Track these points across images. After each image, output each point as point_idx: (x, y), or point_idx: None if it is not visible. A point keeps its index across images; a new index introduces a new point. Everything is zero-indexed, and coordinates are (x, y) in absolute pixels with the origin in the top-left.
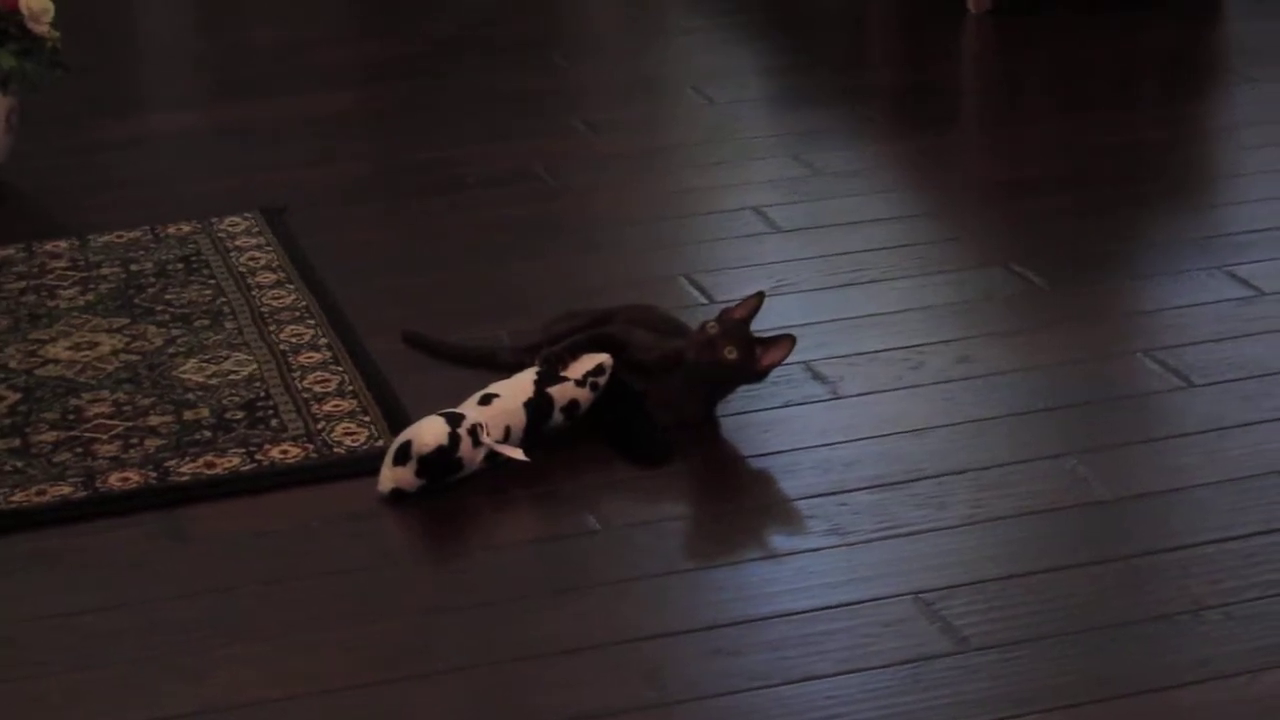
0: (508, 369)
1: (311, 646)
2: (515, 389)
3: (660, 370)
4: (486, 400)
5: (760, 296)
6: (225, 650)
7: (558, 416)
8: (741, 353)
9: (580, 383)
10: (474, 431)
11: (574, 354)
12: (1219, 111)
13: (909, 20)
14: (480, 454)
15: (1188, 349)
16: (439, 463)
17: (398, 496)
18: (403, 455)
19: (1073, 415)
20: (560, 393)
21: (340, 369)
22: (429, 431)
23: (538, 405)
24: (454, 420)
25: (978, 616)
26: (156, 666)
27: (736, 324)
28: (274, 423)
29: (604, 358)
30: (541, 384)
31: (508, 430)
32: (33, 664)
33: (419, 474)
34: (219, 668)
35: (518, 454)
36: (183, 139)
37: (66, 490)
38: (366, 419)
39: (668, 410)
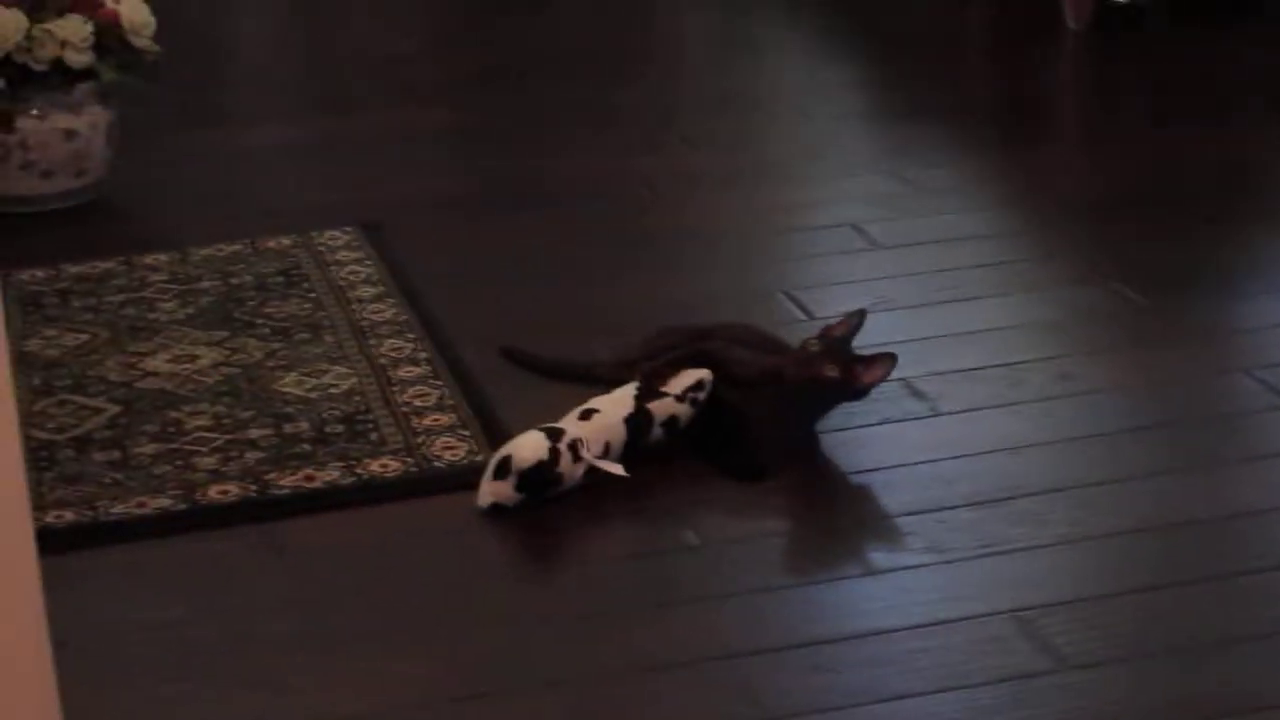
0: (605, 384)
1: (406, 660)
2: (615, 404)
3: (760, 387)
4: (586, 415)
5: (862, 314)
6: (316, 662)
7: (657, 432)
8: (842, 370)
9: (680, 398)
10: (574, 446)
11: (673, 369)
12: None
13: (1007, 35)
14: (580, 469)
15: None
16: (538, 478)
17: (496, 511)
18: (502, 470)
19: (1172, 434)
20: (660, 408)
21: (439, 383)
22: (528, 446)
23: (637, 421)
24: (554, 435)
25: (1076, 635)
26: (248, 677)
27: (837, 341)
28: (373, 436)
29: (704, 373)
30: (641, 399)
31: (607, 446)
32: (126, 673)
33: (518, 489)
34: (312, 680)
35: (617, 469)
36: (280, 153)
37: (166, 503)
38: (465, 433)
39: (768, 427)
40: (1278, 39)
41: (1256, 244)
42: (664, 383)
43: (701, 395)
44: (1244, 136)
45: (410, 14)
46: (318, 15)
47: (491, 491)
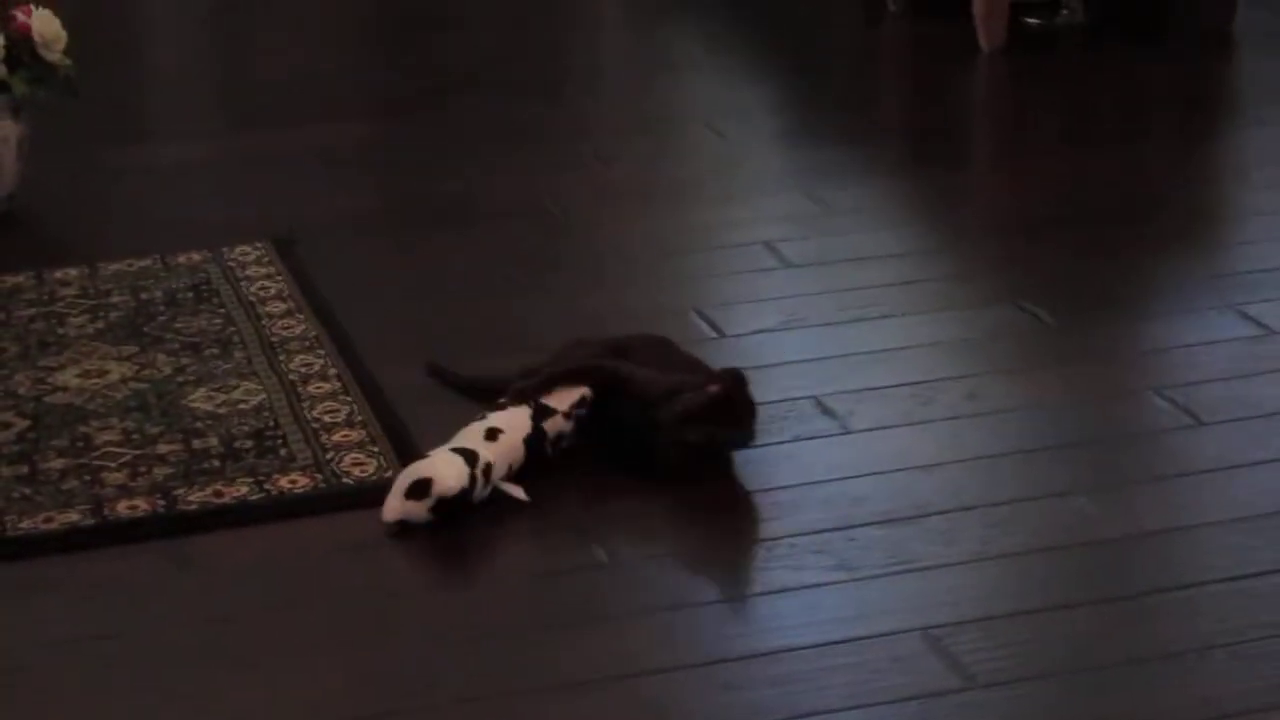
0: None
1: (315, 676)
2: (515, 424)
3: (662, 403)
4: (492, 435)
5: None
6: (228, 678)
7: (548, 450)
8: (733, 425)
9: (567, 415)
10: (486, 470)
11: (547, 388)
12: (1229, 151)
13: (920, 58)
14: (487, 491)
15: (1197, 387)
16: (457, 504)
17: (403, 528)
18: (419, 491)
19: (1081, 453)
20: (551, 426)
21: (349, 399)
22: (452, 475)
23: (536, 440)
24: (471, 460)
25: (985, 653)
26: (159, 693)
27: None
28: (283, 452)
29: (585, 390)
30: (537, 419)
31: (510, 467)
32: (37, 690)
33: (433, 510)
34: (222, 696)
35: (520, 493)
36: (194, 168)
37: (74, 517)
38: (375, 449)
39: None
40: (1188, 59)
41: (1166, 263)
42: (533, 401)
43: (584, 411)
44: (1155, 157)
45: (328, 32)
46: (235, 32)
47: (402, 510)
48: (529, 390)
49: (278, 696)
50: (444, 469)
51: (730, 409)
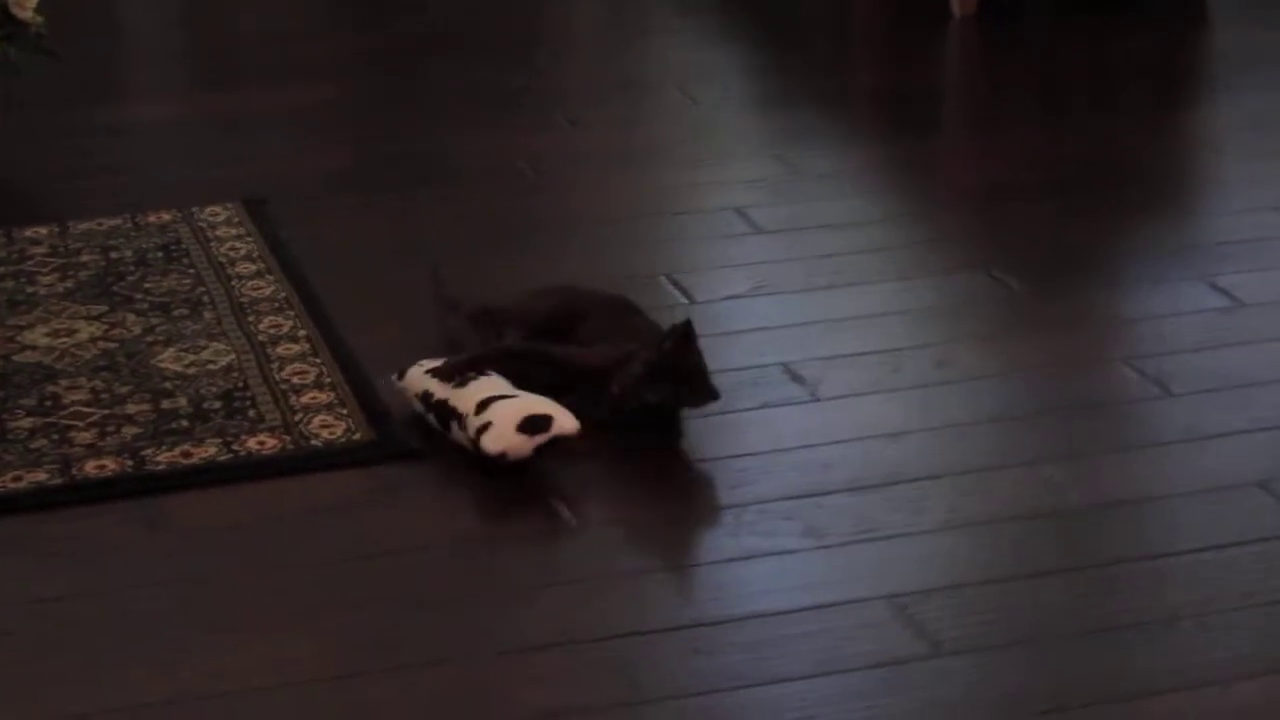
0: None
1: (283, 638)
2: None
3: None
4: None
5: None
6: (197, 640)
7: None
8: (667, 394)
9: None
10: None
11: (475, 367)
12: (1202, 120)
13: (893, 23)
14: None
15: (1167, 358)
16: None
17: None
18: (536, 427)
19: (1051, 422)
20: None
21: (318, 360)
22: (569, 419)
23: None
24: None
25: (952, 621)
26: (128, 655)
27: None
28: (251, 413)
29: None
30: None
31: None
32: (5, 648)
33: (540, 449)
34: (190, 657)
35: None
36: (164, 128)
37: (42, 477)
38: (344, 411)
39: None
40: (1160, 28)
41: (1137, 233)
42: (463, 375)
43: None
44: (1126, 125)
45: None
46: None
47: (509, 443)
48: (455, 368)
49: (247, 658)
50: (561, 413)
51: (681, 364)
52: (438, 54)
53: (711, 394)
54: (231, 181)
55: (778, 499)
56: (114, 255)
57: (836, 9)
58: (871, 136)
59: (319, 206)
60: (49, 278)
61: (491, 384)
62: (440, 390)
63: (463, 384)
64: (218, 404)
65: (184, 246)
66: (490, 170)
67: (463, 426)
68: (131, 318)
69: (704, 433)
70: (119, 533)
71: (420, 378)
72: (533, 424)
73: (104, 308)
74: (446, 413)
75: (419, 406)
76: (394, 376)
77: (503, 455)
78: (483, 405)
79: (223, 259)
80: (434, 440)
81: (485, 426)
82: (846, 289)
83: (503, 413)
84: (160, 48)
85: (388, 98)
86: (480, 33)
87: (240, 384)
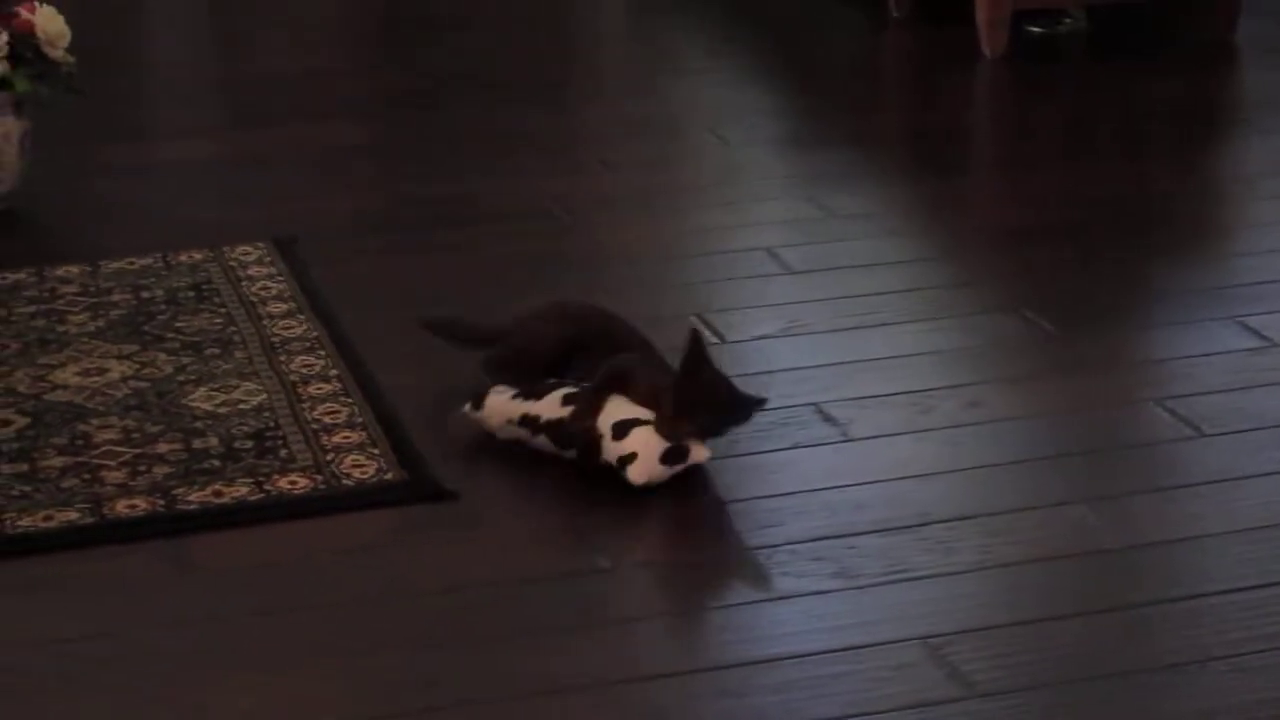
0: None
1: (313, 679)
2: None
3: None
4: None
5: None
6: (225, 680)
7: None
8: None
9: None
10: None
11: (596, 409)
12: (1231, 162)
13: (923, 64)
14: None
15: (1198, 399)
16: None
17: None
18: (676, 458)
19: (1082, 463)
20: None
21: (350, 400)
22: (702, 449)
23: None
24: None
25: (985, 662)
26: (156, 695)
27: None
28: (282, 453)
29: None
30: None
31: None
32: (32, 689)
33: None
34: (218, 698)
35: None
36: (195, 167)
37: (73, 516)
38: (375, 451)
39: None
40: (1189, 70)
41: (1167, 274)
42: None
43: None
44: (1155, 166)
45: (331, 32)
46: (236, 31)
47: (654, 473)
48: (581, 424)
49: (277, 699)
50: (693, 438)
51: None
52: (468, 95)
53: (749, 404)
54: (262, 221)
55: (809, 540)
56: (145, 294)
57: (867, 49)
58: (902, 177)
59: (350, 246)
60: (80, 317)
61: (616, 405)
62: (549, 411)
63: (575, 401)
64: (249, 443)
65: (215, 286)
66: (521, 211)
67: (596, 449)
68: (162, 357)
69: (735, 473)
70: (149, 572)
71: (509, 404)
72: (674, 455)
73: (135, 347)
74: (570, 434)
75: (514, 432)
76: (467, 407)
77: (646, 485)
78: (620, 430)
79: (254, 298)
80: (475, 478)
81: (630, 457)
82: (877, 329)
83: (646, 443)
84: (191, 87)
85: (418, 138)
86: (510, 74)
87: (271, 424)
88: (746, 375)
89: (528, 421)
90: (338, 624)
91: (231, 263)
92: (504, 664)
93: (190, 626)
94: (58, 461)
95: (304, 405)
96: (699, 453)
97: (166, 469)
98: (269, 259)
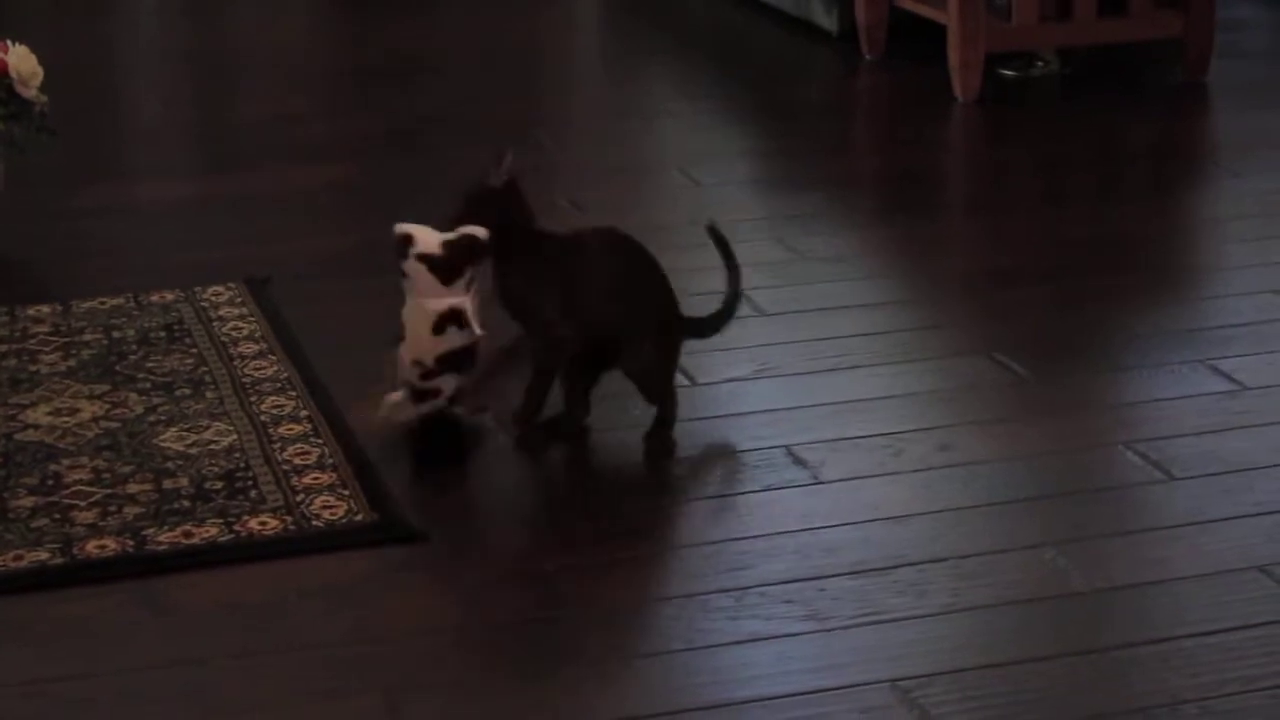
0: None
1: None
2: None
3: None
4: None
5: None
6: None
7: None
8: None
9: None
10: None
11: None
12: (1203, 205)
13: (896, 106)
14: None
15: (1169, 442)
16: None
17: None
18: None
19: (1053, 506)
20: None
21: (320, 441)
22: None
23: None
24: None
25: (955, 705)
26: None
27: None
28: (253, 494)
29: None
30: None
31: None
32: None
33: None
34: None
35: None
36: (168, 208)
37: (43, 556)
38: (346, 492)
39: None
40: (1162, 112)
41: (1139, 317)
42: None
43: None
44: (1128, 209)
45: (303, 75)
46: (210, 73)
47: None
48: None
49: None
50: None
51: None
52: (441, 136)
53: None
54: (234, 262)
55: (779, 582)
56: (116, 334)
57: (839, 92)
58: (874, 220)
59: (322, 287)
60: (51, 356)
61: None
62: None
63: None
64: (219, 484)
65: (186, 326)
66: None
67: None
68: (134, 397)
69: (706, 515)
70: (120, 613)
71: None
72: None
73: (106, 387)
74: None
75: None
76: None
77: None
78: None
79: (225, 339)
80: (446, 520)
81: None
82: (849, 372)
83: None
84: (164, 128)
85: (391, 179)
86: (482, 115)
87: (242, 464)
88: (718, 418)
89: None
90: (310, 666)
91: (203, 303)
92: (474, 707)
93: (161, 668)
94: (28, 501)
95: (275, 446)
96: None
97: (137, 509)
98: (241, 300)
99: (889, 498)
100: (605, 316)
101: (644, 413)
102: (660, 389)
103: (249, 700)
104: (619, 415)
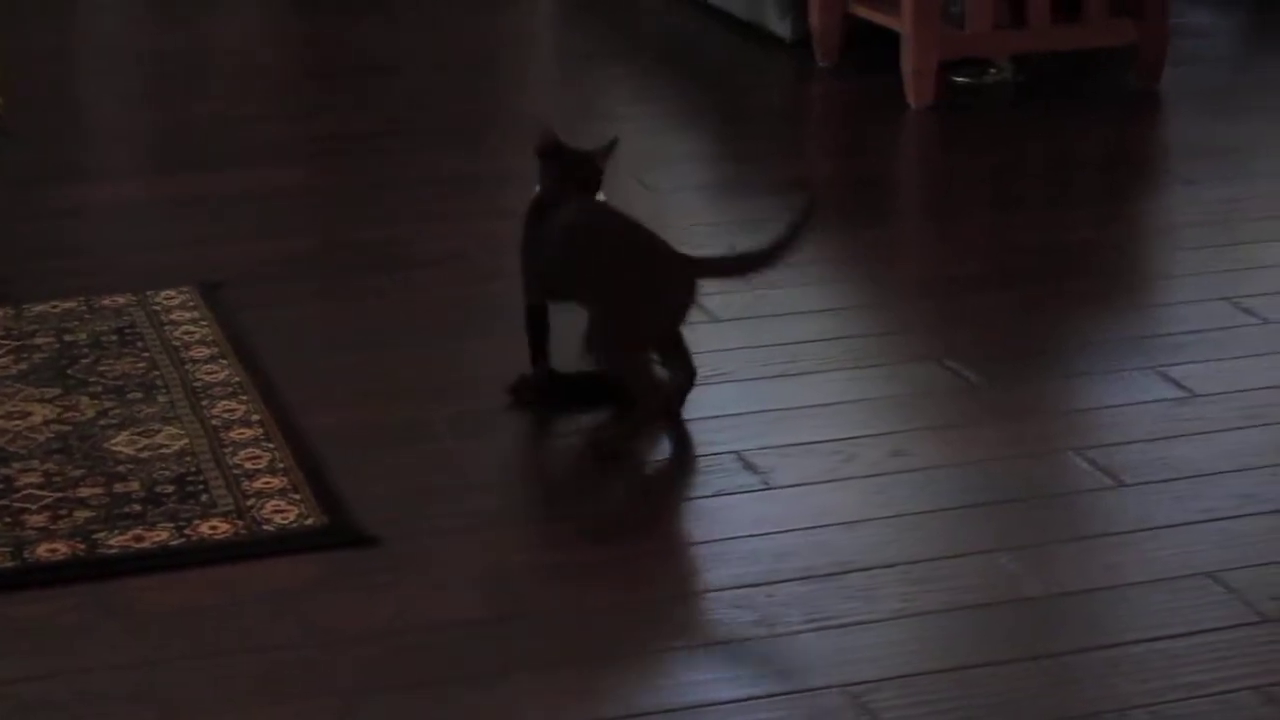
0: None
1: None
2: None
3: None
4: None
5: None
6: None
7: None
8: None
9: None
10: None
11: None
12: (1155, 212)
13: (849, 113)
14: None
15: (1119, 449)
16: None
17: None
18: None
19: (1004, 512)
20: None
21: (272, 446)
22: None
23: None
24: None
25: (906, 710)
26: None
27: None
28: (204, 498)
29: None
30: None
31: None
32: None
33: None
34: None
35: None
36: (122, 211)
37: None
38: (297, 497)
39: None
40: (1114, 120)
41: (1090, 324)
42: None
43: None
44: (1080, 216)
45: (259, 77)
46: (166, 74)
47: None
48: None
49: None
50: None
51: None
52: (396, 139)
53: None
54: (188, 265)
55: (730, 588)
56: (68, 338)
57: (793, 98)
58: (827, 226)
59: (275, 291)
60: (3, 360)
61: None
62: None
63: None
64: (170, 488)
65: (139, 330)
66: (446, 256)
67: None
68: (85, 401)
69: (657, 520)
70: (70, 616)
71: None
72: None
73: (58, 390)
74: None
75: None
76: None
77: None
78: None
79: (177, 343)
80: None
81: None
82: (801, 378)
83: None
84: (120, 130)
85: (344, 183)
86: (438, 118)
87: (193, 468)
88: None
89: None
90: (260, 669)
91: (155, 307)
92: (426, 710)
93: (112, 671)
94: None
95: (226, 450)
96: None
97: (88, 513)
98: (193, 303)
99: (840, 503)
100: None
101: (595, 417)
102: (613, 368)
103: (202, 703)
104: (569, 421)
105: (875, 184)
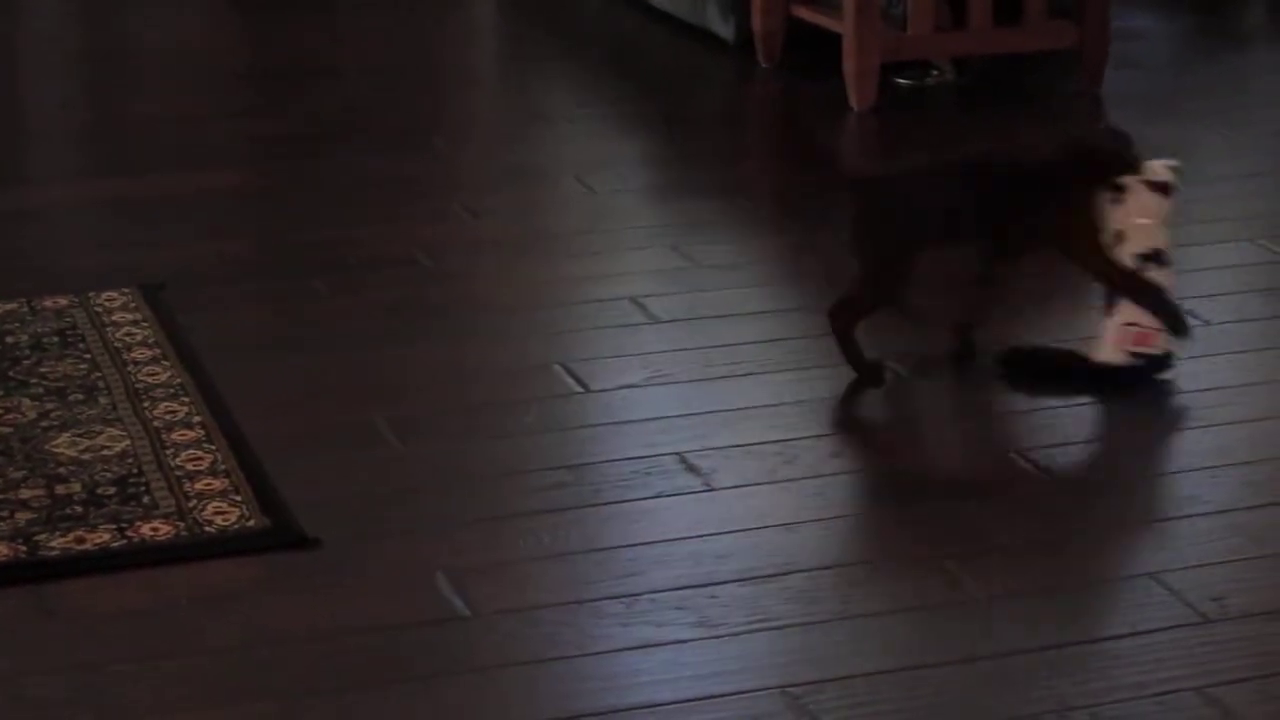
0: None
1: None
2: None
3: None
4: None
5: None
6: None
7: None
8: None
9: None
10: None
11: None
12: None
13: (791, 115)
14: None
15: (1059, 449)
16: None
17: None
18: None
19: (944, 512)
20: None
21: (213, 447)
22: None
23: None
24: None
25: (845, 712)
26: None
27: None
28: (146, 500)
29: None
30: None
31: None
32: None
33: None
34: None
35: None
36: (63, 212)
37: None
38: (238, 498)
39: None
40: (1056, 124)
41: (1027, 328)
42: None
43: None
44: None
45: (201, 79)
46: (107, 74)
47: None
48: None
49: None
50: None
51: None
52: (337, 141)
53: None
54: (129, 267)
55: (670, 589)
56: (9, 340)
57: (735, 100)
58: (769, 227)
59: (217, 293)
60: None
61: None
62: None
63: None
64: (112, 490)
65: (80, 332)
66: (388, 259)
67: None
68: (26, 402)
69: (597, 522)
70: (11, 618)
71: None
72: None
73: None
74: None
75: None
76: None
77: None
78: None
79: (119, 344)
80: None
81: None
82: (742, 379)
83: None
84: (60, 131)
85: (287, 185)
86: (380, 120)
87: (135, 470)
88: (610, 424)
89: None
90: (201, 671)
91: (97, 309)
92: (368, 712)
93: (53, 673)
94: None
95: (167, 452)
96: None
97: (29, 514)
98: (135, 305)
99: (780, 505)
100: None
101: (537, 419)
102: None
103: (144, 705)
104: (505, 420)
105: (816, 186)
